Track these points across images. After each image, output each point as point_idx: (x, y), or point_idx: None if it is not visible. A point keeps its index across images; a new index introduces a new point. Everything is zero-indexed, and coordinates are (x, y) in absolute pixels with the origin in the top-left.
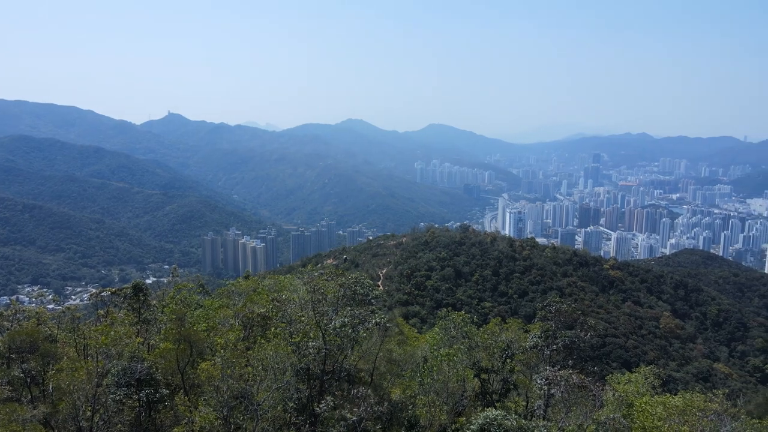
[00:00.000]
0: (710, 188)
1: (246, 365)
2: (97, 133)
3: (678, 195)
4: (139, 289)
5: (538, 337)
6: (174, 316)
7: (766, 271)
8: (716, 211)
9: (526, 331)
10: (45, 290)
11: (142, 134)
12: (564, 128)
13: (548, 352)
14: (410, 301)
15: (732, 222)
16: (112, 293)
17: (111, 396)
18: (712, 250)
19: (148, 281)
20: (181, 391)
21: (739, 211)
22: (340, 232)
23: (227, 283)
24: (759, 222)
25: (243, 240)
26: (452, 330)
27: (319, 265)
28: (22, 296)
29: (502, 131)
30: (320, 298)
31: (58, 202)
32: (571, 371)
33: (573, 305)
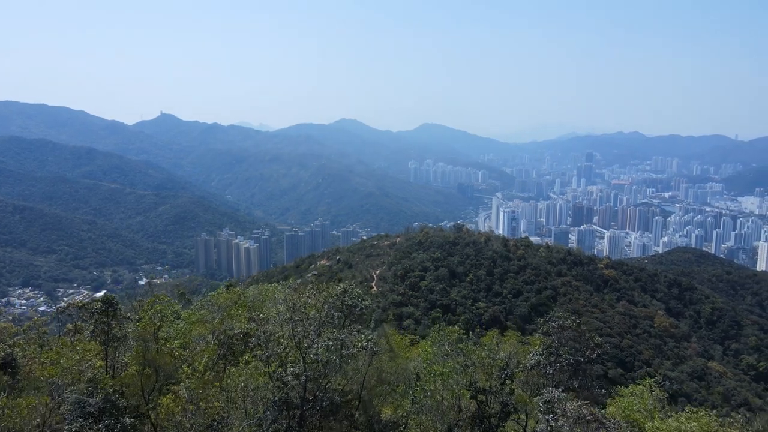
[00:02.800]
0: (702, 186)
1: (218, 393)
2: (88, 133)
3: (670, 193)
4: (108, 303)
5: (540, 354)
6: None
7: (758, 269)
8: (708, 209)
9: (526, 344)
10: (36, 292)
11: (134, 135)
12: (557, 128)
13: (551, 371)
14: (404, 302)
15: (724, 220)
16: (80, 307)
17: (66, 428)
18: (704, 248)
19: (141, 282)
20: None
21: (730, 209)
22: (334, 232)
23: (208, 294)
24: (750, 220)
25: (236, 240)
26: (446, 346)
27: (312, 266)
28: (12, 298)
29: (496, 131)
30: (301, 316)
31: (50, 203)
32: (581, 403)
33: (577, 320)
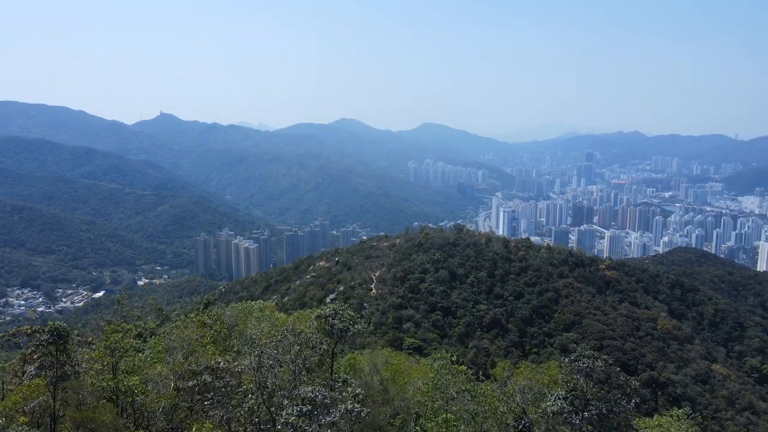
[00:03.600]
0: (702, 186)
1: None
2: (88, 133)
3: (670, 193)
4: (58, 334)
5: (563, 398)
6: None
7: (759, 269)
8: (708, 209)
9: (540, 373)
10: (35, 293)
11: (134, 134)
12: (557, 127)
13: (578, 421)
14: (404, 304)
15: (724, 220)
16: (28, 334)
17: None
18: (704, 248)
19: (140, 282)
20: None
21: (731, 208)
22: (334, 232)
23: (177, 320)
24: (751, 220)
25: (236, 241)
26: (450, 388)
27: (311, 267)
28: (11, 299)
29: (496, 130)
30: (272, 363)
31: (49, 203)
32: None
33: (610, 361)
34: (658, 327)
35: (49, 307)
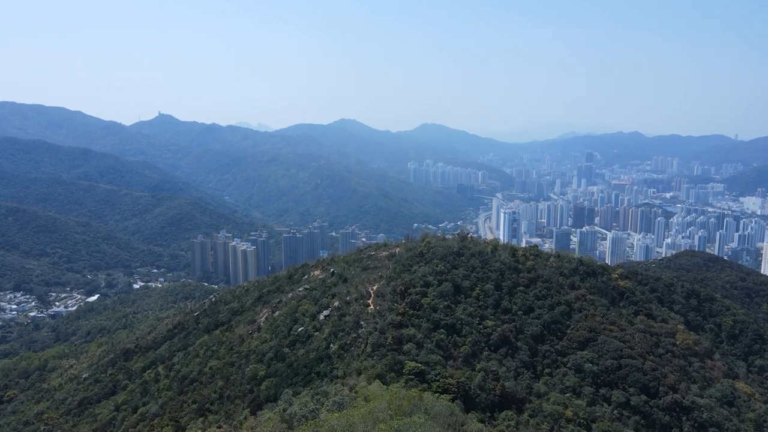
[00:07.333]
0: (703, 186)
1: None
2: (86, 134)
3: (671, 194)
4: None
5: None
6: None
7: (763, 271)
8: (710, 209)
9: None
10: (28, 297)
11: (132, 135)
12: (557, 127)
13: None
14: (404, 322)
15: (727, 221)
16: None
17: None
18: (707, 249)
19: (136, 286)
20: None
21: (732, 209)
22: (333, 234)
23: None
24: (753, 221)
25: (233, 243)
26: None
27: (306, 276)
28: (3, 303)
29: (495, 130)
30: None
31: (44, 205)
32: None
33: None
34: (678, 342)
35: (42, 312)
